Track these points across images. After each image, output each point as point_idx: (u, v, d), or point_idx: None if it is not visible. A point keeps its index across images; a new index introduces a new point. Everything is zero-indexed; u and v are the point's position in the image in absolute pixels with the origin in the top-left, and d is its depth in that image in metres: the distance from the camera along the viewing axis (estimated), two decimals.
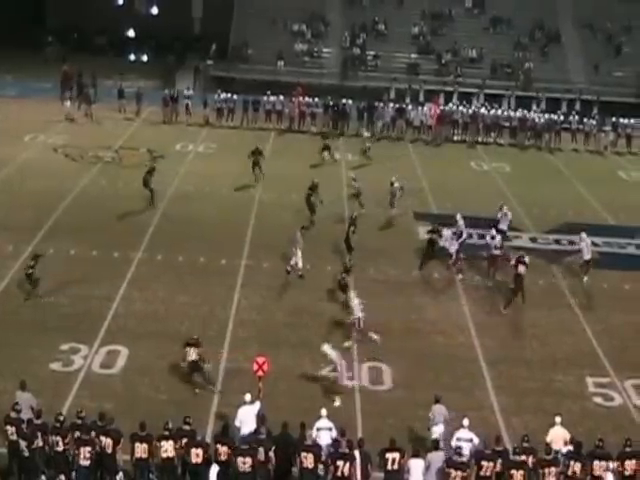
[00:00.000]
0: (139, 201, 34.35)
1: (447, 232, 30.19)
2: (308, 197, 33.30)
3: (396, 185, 34.09)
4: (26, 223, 31.53)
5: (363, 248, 30.65)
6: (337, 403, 21.37)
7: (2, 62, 56.31)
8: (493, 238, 29.58)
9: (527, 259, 27.71)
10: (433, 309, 27.44)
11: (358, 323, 24.22)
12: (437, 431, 19.32)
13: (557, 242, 33.25)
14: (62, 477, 17.49)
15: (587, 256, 29.70)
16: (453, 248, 29.78)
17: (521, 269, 27.51)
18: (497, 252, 29.30)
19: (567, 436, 18.69)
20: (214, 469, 17.35)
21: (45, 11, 67.58)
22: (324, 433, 18.37)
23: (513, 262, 27.86)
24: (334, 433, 18.36)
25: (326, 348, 22.01)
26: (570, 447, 18.32)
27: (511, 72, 57.38)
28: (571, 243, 32.79)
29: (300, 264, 28.47)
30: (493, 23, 61.37)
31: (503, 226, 32.13)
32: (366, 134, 45.53)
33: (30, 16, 64.50)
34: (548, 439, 18.53)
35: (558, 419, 19.01)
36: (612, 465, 17.93)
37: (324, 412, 18.77)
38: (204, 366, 21.81)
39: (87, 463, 17.39)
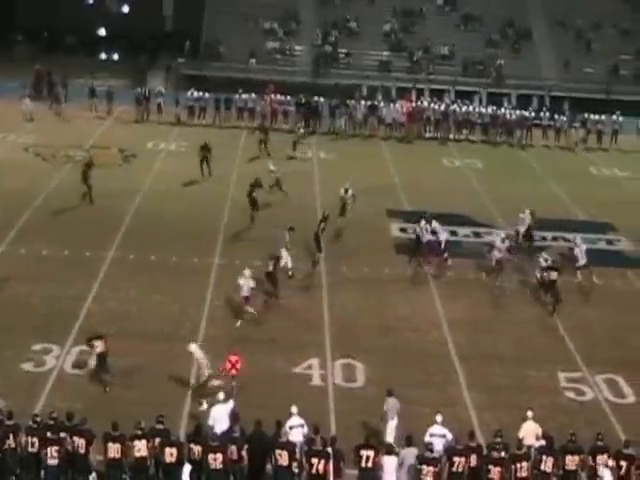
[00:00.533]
0: (111, 200, 34.20)
1: (424, 225, 30.30)
2: (250, 193, 32.92)
3: (349, 193, 33.15)
4: None
5: (336, 246, 30.67)
6: (204, 407, 20.53)
7: None
8: (503, 241, 29.42)
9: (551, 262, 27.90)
10: (406, 306, 27.48)
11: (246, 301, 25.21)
12: (391, 426, 19.41)
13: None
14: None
15: (582, 261, 29.53)
16: (425, 239, 29.89)
17: (553, 275, 27.34)
18: (503, 255, 29.09)
19: (539, 431, 18.76)
20: (187, 468, 17.31)
21: (15, 10, 67.01)
22: (296, 431, 18.34)
23: (541, 271, 27.76)
24: (306, 430, 18.37)
25: (193, 348, 21.58)
26: (542, 442, 18.41)
27: (483, 69, 57.54)
28: (543, 239, 33.04)
29: (290, 264, 28.26)
30: (464, 20, 61.46)
31: (520, 228, 32.10)
32: (301, 130, 45.83)
33: None
34: (520, 434, 18.58)
35: (530, 414, 19.05)
36: (610, 462, 17.86)
37: (295, 409, 18.71)
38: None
39: (55, 462, 17.30)
